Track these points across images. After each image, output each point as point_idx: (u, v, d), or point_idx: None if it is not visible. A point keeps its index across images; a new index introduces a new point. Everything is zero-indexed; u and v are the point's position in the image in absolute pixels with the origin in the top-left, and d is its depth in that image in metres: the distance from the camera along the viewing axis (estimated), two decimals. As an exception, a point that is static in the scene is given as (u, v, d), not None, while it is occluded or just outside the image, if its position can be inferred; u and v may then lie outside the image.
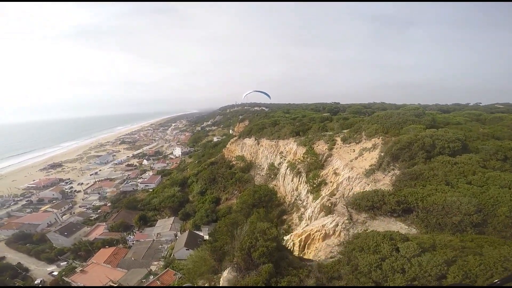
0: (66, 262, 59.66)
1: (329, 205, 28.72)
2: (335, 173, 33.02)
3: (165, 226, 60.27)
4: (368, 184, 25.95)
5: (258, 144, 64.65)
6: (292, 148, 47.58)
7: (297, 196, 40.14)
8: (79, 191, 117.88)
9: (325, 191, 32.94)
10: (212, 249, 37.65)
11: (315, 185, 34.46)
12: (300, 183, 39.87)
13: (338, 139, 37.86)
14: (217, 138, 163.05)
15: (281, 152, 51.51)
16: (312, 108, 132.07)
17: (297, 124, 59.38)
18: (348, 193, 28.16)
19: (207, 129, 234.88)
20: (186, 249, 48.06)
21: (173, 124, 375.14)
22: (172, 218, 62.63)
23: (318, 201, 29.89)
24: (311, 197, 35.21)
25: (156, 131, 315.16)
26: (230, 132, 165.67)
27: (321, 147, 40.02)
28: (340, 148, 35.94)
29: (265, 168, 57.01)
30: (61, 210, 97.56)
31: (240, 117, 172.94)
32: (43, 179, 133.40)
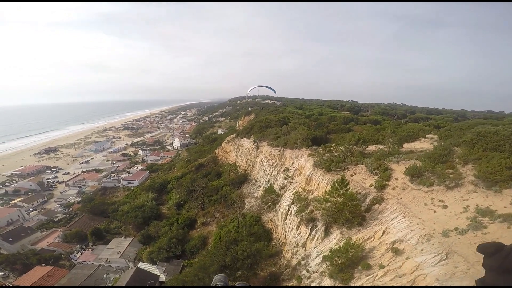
0: (2, 273, 47.53)
1: None
2: (395, 251, 14.79)
3: (117, 250, 44.91)
4: None
5: (257, 149, 46.71)
6: (304, 166, 29.44)
7: (304, 259, 22.35)
8: (62, 182, 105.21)
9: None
10: None
11: (344, 266, 16.46)
12: (313, 239, 21.96)
13: (397, 169, 19.52)
14: (221, 131, 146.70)
15: (287, 170, 33.43)
16: (329, 105, 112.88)
17: (313, 124, 40.96)
18: None
19: (214, 119, 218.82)
20: (127, 296, 32.30)
21: (182, 113, 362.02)
22: (129, 240, 47.09)
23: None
24: (328, 281, 17.31)
25: (163, 119, 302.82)
26: (236, 125, 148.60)
27: (359, 177, 21.76)
28: (405, 189, 17.58)
29: (261, 187, 39.22)
30: (32, 204, 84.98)
31: (250, 109, 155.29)
32: (29, 166, 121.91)
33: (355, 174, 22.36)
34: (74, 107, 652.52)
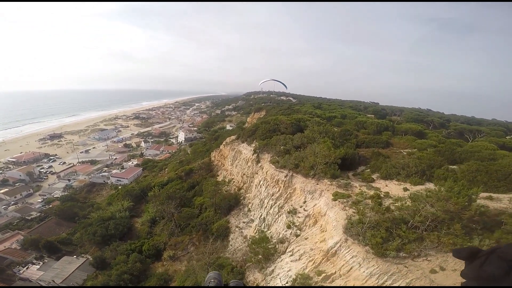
0: None
1: None
2: None
3: (63, 271, 34.58)
4: None
5: (258, 162, 33.71)
6: (324, 214, 16.17)
7: None
8: (55, 173, 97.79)
9: None
10: None
11: None
12: None
13: None
14: (230, 126, 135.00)
15: (294, 212, 20.16)
16: (351, 106, 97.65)
17: (341, 137, 27.48)
18: None
19: (227, 113, 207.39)
20: None
21: (196, 104, 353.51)
22: (80, 261, 36.78)
23: None
24: None
25: (175, 110, 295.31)
26: (247, 121, 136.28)
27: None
28: None
29: (254, 223, 26.30)
30: (15, 197, 77.38)
31: (263, 105, 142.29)
32: (27, 153, 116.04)
33: (442, 270, 9.08)
34: (99, 94, 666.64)
